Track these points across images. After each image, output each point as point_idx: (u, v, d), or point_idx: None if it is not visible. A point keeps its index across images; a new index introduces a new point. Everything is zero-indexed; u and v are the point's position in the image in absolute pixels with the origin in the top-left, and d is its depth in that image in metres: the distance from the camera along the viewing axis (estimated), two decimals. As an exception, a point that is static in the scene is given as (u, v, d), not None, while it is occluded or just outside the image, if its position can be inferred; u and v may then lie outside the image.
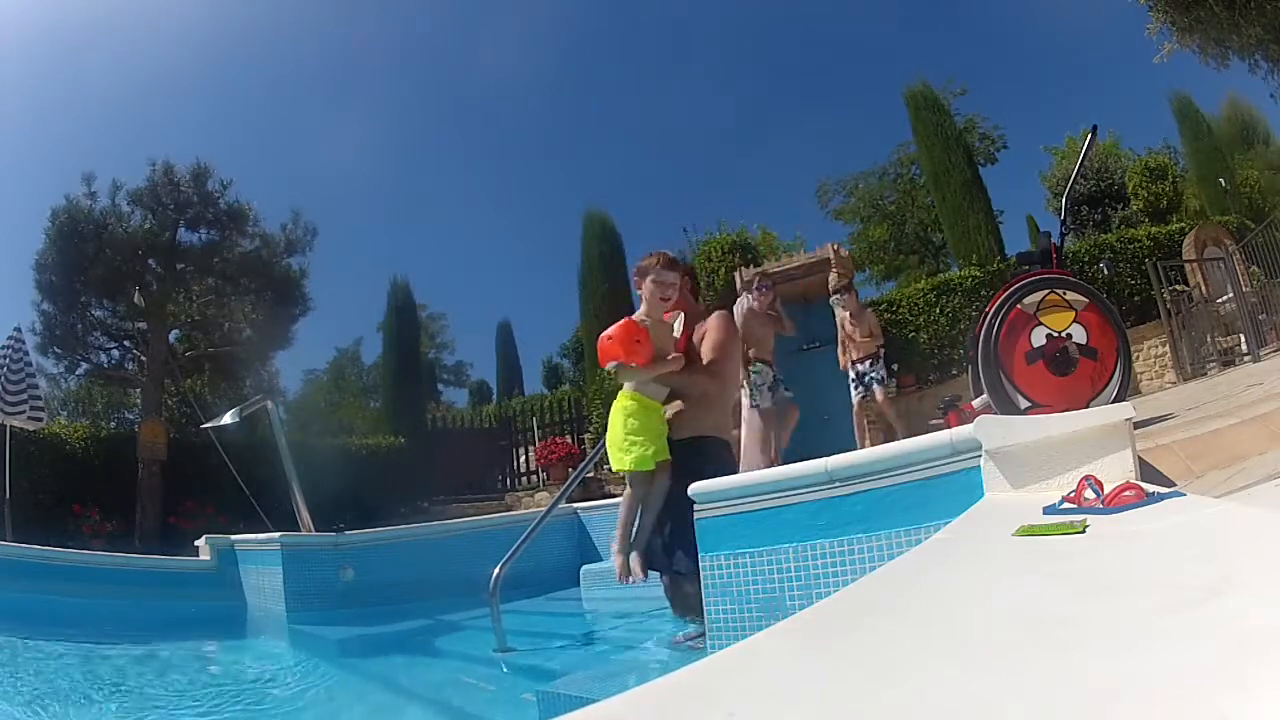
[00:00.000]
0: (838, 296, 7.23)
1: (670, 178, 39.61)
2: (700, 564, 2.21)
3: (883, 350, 7.16)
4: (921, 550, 1.31)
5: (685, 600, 2.50)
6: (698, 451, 2.62)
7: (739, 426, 7.07)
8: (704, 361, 2.70)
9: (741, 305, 8.04)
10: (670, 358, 2.65)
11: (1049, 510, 1.29)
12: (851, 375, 7.08)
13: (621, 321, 2.66)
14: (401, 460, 11.42)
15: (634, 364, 2.59)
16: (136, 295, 10.06)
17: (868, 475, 1.93)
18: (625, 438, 2.57)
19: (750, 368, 6.18)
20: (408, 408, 12.98)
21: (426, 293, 35.32)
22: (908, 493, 1.85)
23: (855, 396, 7.04)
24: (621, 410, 2.62)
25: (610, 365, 2.63)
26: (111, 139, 27.17)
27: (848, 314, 7.08)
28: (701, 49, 38.53)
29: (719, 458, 2.69)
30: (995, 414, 2.78)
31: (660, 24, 36.81)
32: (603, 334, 2.66)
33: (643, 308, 2.73)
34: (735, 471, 2.66)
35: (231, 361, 11.07)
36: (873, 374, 6.92)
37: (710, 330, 2.76)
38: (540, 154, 41.28)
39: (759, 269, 6.72)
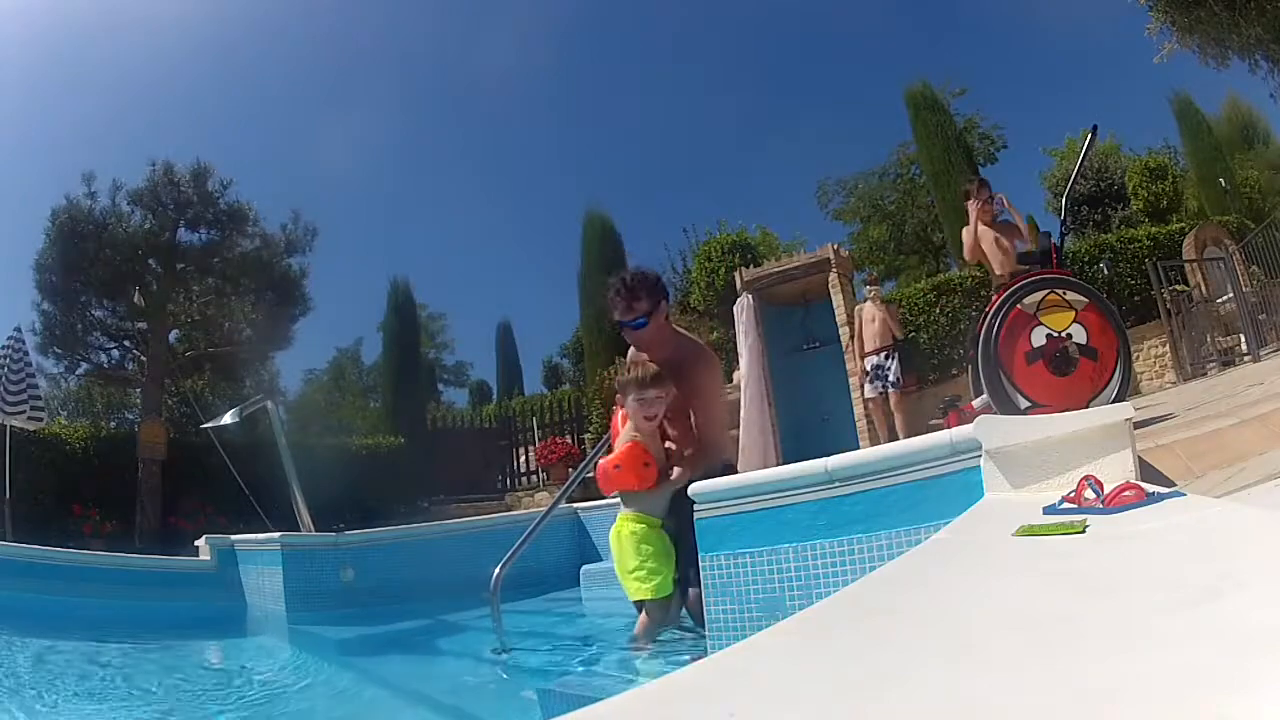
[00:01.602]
0: (873, 287, 7.20)
1: (670, 178, 39.71)
2: (700, 564, 2.21)
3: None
4: (921, 550, 1.31)
5: (695, 608, 2.50)
6: (707, 474, 2.64)
7: (737, 426, 7.09)
8: (700, 430, 2.64)
9: (743, 304, 8.04)
10: (674, 476, 2.57)
11: (1049, 510, 1.29)
12: (867, 367, 6.82)
13: (626, 447, 2.55)
14: (401, 460, 11.43)
15: (645, 489, 2.54)
16: (136, 295, 10.07)
17: (868, 475, 1.93)
18: (640, 566, 2.49)
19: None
20: (408, 408, 13.01)
21: (426, 293, 35.60)
22: (908, 493, 1.85)
23: (871, 390, 6.75)
24: (631, 537, 2.52)
25: (615, 493, 2.57)
26: (111, 139, 27.24)
27: (876, 303, 6.93)
28: (702, 49, 38.61)
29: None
30: (995, 414, 2.78)
31: (660, 24, 36.90)
32: (606, 463, 2.57)
33: (629, 424, 2.63)
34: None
35: (231, 361, 11.09)
36: (890, 370, 6.67)
37: (698, 387, 2.65)
38: (540, 154, 41.39)
39: (973, 179, 6.11)
